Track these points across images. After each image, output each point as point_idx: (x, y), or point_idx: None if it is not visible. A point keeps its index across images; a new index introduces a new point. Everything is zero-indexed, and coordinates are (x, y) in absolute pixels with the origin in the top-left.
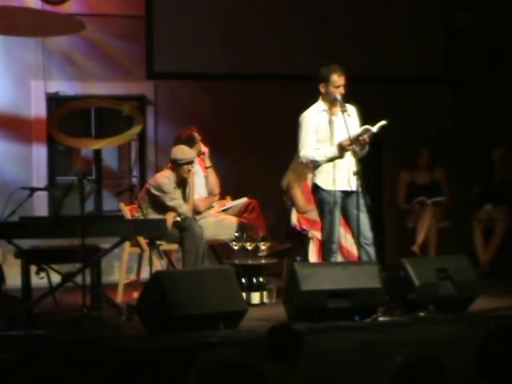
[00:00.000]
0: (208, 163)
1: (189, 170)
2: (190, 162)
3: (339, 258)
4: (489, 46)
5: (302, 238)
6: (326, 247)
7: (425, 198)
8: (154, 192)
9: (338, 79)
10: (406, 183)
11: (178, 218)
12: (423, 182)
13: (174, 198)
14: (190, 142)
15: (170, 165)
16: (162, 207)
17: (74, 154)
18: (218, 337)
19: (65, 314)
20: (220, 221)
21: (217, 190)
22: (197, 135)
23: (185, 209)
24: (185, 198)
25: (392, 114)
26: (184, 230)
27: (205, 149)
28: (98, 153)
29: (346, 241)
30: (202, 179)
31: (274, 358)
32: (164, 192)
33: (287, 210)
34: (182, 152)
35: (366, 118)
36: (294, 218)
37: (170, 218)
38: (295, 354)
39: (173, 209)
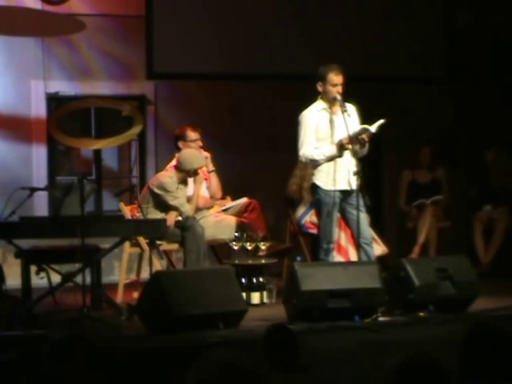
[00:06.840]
0: (211, 167)
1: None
2: (194, 172)
3: (336, 258)
4: (489, 46)
5: (306, 238)
6: (322, 247)
7: (424, 199)
8: (157, 191)
9: (334, 78)
10: (407, 182)
11: (180, 218)
12: (425, 180)
13: (177, 198)
14: (182, 138)
15: (173, 164)
16: (163, 206)
17: (74, 154)
18: (217, 337)
19: (65, 314)
20: (220, 221)
21: (219, 194)
22: (191, 134)
23: (187, 208)
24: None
25: (392, 114)
26: (186, 230)
27: (206, 154)
28: (97, 153)
29: (344, 241)
30: (203, 182)
31: (272, 359)
32: (167, 191)
33: (291, 211)
34: (186, 162)
35: (366, 117)
36: (308, 216)
37: (172, 217)
38: (293, 354)
39: (175, 208)
